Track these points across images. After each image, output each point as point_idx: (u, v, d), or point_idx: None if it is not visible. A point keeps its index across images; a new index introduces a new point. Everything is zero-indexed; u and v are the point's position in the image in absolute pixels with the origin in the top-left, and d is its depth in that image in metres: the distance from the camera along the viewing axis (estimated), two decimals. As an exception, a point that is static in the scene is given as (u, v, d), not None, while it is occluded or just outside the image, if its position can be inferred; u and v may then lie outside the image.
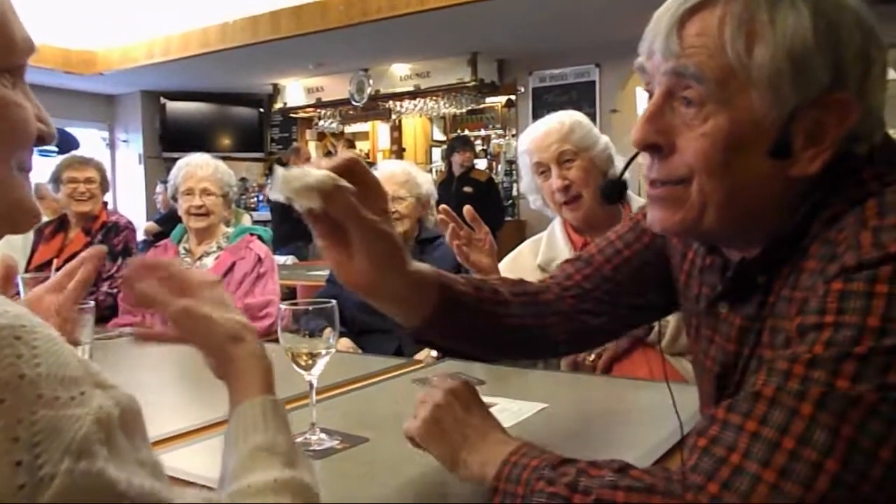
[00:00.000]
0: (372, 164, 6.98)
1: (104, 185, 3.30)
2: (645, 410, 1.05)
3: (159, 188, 7.60)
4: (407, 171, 2.65)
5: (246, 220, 6.18)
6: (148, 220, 7.45)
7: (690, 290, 1.00)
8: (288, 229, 7.14)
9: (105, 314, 2.79)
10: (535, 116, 7.14)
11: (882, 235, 0.68)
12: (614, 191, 1.01)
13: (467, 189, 6.44)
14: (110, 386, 0.48)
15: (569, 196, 1.94)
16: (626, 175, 2.13)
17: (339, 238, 0.87)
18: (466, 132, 8.86)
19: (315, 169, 0.81)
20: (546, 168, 1.96)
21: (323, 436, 1.24)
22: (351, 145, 7.76)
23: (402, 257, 0.91)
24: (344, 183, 0.81)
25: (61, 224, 3.31)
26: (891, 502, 0.62)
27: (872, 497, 0.61)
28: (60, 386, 0.44)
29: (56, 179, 3.20)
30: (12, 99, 0.61)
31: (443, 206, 1.84)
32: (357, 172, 0.85)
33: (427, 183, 2.68)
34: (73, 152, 3.17)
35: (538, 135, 1.99)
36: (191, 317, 0.81)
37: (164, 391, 1.75)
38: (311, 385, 1.24)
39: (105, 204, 3.36)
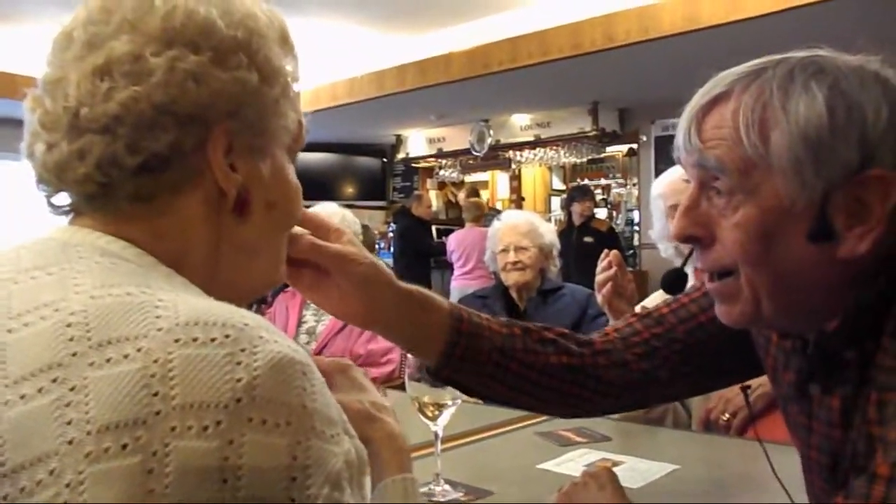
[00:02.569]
0: (497, 211, 7.03)
1: None
2: (784, 479, 0.98)
3: None
4: (530, 221, 2.64)
5: (379, 267, 6.31)
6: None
7: (779, 374, 0.92)
8: (410, 278, 7.28)
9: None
10: (658, 166, 7.01)
11: None
12: (675, 282, 0.92)
13: (588, 239, 6.38)
14: (352, 435, 0.55)
15: None
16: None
17: (319, 284, 0.90)
18: (586, 181, 8.80)
19: None
20: None
21: (447, 487, 1.24)
22: (475, 193, 7.86)
23: (383, 270, 0.91)
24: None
25: None
26: None
27: None
28: (326, 423, 0.50)
29: None
30: (298, 186, 0.71)
31: (614, 251, 1.88)
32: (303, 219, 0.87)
33: (550, 233, 2.67)
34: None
35: (674, 178, 1.98)
36: None
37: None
38: (436, 435, 1.23)
39: None
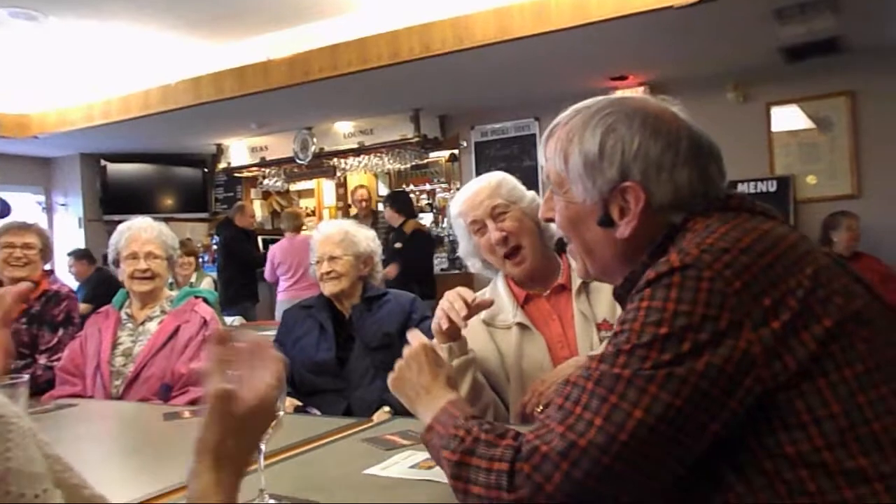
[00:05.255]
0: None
1: (45, 253, 3.14)
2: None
3: (69, 259, 7.22)
4: (343, 231, 2.66)
5: (207, 283, 6.06)
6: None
7: None
8: (235, 290, 7.07)
9: (42, 388, 2.67)
10: (479, 169, 7.26)
11: (657, 266, 0.95)
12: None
13: (397, 245, 6.38)
14: (73, 485, 0.50)
15: (509, 247, 1.97)
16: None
17: None
18: (412, 187, 8.94)
19: None
20: (482, 224, 1.99)
21: (271, 501, 1.23)
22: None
23: None
24: None
25: None
26: (641, 449, 0.88)
27: (629, 444, 0.87)
28: (27, 482, 0.45)
29: None
30: None
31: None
32: None
33: (367, 240, 2.68)
34: (12, 217, 3.10)
35: (469, 195, 2.03)
36: None
37: (110, 463, 1.71)
38: (259, 450, 1.23)
39: (48, 272, 3.25)
